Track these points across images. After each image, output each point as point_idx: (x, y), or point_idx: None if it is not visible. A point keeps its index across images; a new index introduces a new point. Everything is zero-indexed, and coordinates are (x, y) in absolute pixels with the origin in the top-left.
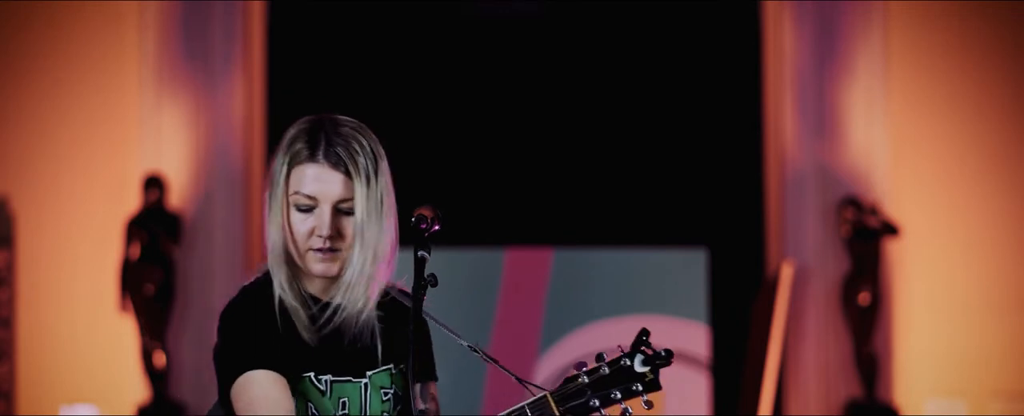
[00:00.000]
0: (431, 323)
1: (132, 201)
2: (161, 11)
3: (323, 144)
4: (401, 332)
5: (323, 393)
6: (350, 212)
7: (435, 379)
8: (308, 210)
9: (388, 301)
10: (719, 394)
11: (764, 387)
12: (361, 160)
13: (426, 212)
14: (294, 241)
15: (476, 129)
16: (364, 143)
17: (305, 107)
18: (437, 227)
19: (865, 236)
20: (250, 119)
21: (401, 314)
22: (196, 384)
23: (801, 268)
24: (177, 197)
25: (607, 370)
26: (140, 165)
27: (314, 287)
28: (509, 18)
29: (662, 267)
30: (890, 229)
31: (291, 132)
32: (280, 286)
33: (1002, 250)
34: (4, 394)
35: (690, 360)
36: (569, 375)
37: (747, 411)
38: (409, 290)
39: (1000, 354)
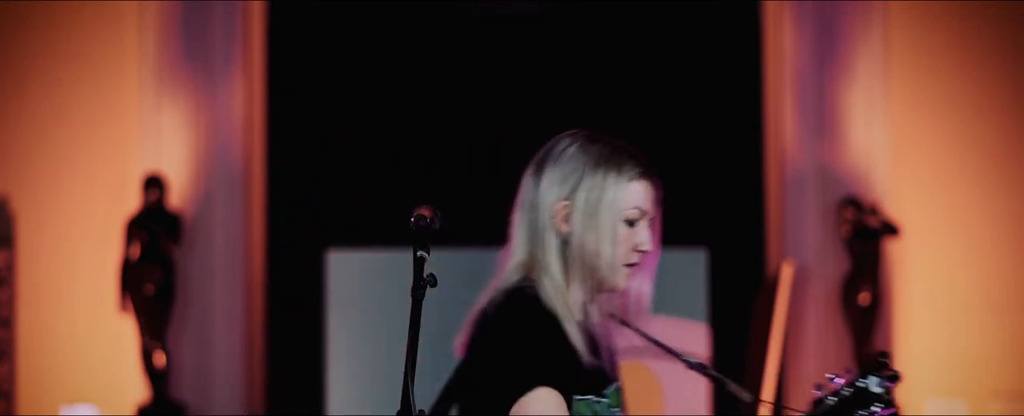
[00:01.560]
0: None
1: (132, 201)
2: (161, 11)
3: (642, 162)
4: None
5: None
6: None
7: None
8: (634, 224)
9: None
10: (719, 394)
11: (764, 387)
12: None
13: (426, 212)
14: (606, 258)
15: (476, 129)
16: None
17: (305, 107)
18: (436, 227)
19: (865, 236)
20: (250, 119)
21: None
22: (196, 384)
23: (801, 268)
24: (177, 197)
25: (849, 392)
26: (140, 165)
27: (577, 304)
28: (509, 18)
29: (662, 267)
30: (890, 229)
31: (594, 147)
32: (574, 302)
33: (1002, 250)
34: (4, 394)
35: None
36: (815, 398)
37: (747, 411)
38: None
39: (1000, 354)
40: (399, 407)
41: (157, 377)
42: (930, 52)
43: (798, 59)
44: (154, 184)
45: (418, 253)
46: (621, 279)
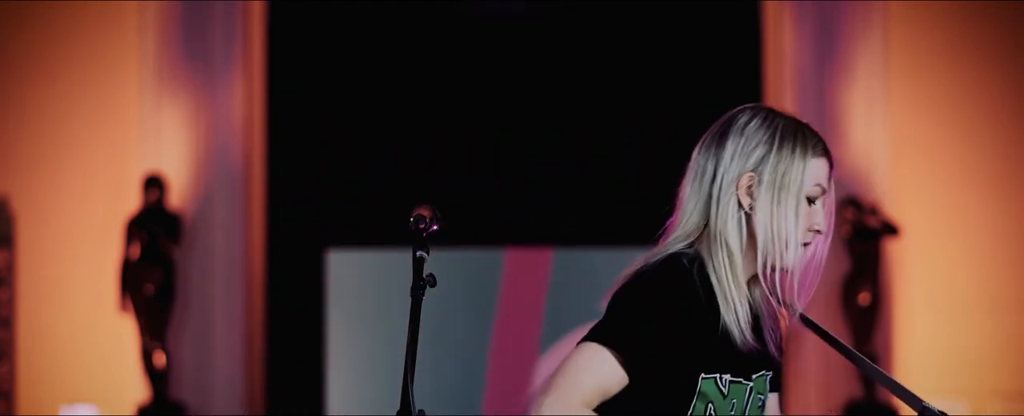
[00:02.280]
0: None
1: (132, 201)
2: (161, 11)
3: (821, 140)
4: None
5: (725, 396)
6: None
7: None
8: (812, 203)
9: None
10: None
11: None
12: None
13: (425, 212)
14: (784, 236)
15: (476, 129)
16: None
17: (305, 107)
18: (436, 227)
19: (865, 236)
20: (250, 119)
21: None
22: (196, 384)
23: None
24: (177, 197)
25: None
26: (140, 165)
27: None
28: (509, 18)
29: None
30: (890, 229)
31: (779, 120)
32: (734, 273)
33: (1002, 250)
34: (4, 394)
35: None
36: None
37: None
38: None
39: (1000, 354)
40: (399, 407)
41: (157, 377)
42: (930, 52)
43: (798, 59)
44: (154, 184)
45: (418, 253)
46: (793, 258)
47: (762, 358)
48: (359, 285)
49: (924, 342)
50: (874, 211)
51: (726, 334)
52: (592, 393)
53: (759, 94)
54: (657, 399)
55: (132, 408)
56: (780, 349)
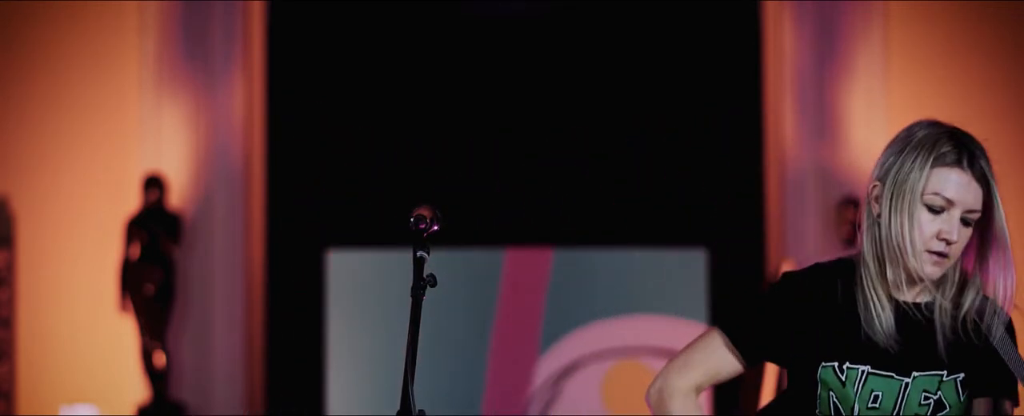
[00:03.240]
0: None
1: (132, 201)
2: (161, 11)
3: (968, 154)
4: (974, 344)
5: (844, 384)
6: (969, 223)
7: (1009, 398)
8: (939, 212)
9: (975, 312)
10: (719, 394)
11: (764, 387)
12: (992, 178)
13: (425, 212)
14: (907, 241)
15: (476, 129)
16: (990, 164)
17: (305, 107)
18: (436, 227)
19: None
20: (250, 119)
21: (997, 322)
22: (196, 384)
23: None
24: (177, 197)
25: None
26: (140, 165)
27: (897, 283)
28: (509, 18)
29: (662, 267)
30: None
31: (923, 132)
32: (895, 282)
33: None
34: (4, 394)
35: None
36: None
37: (747, 411)
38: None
39: None
40: (399, 407)
41: (157, 377)
42: (930, 52)
43: (798, 59)
44: (154, 184)
45: (418, 253)
46: (925, 266)
47: (927, 357)
48: (359, 285)
49: None
50: None
51: (862, 329)
52: (701, 375)
53: (759, 94)
54: (792, 385)
55: (132, 408)
56: (972, 357)
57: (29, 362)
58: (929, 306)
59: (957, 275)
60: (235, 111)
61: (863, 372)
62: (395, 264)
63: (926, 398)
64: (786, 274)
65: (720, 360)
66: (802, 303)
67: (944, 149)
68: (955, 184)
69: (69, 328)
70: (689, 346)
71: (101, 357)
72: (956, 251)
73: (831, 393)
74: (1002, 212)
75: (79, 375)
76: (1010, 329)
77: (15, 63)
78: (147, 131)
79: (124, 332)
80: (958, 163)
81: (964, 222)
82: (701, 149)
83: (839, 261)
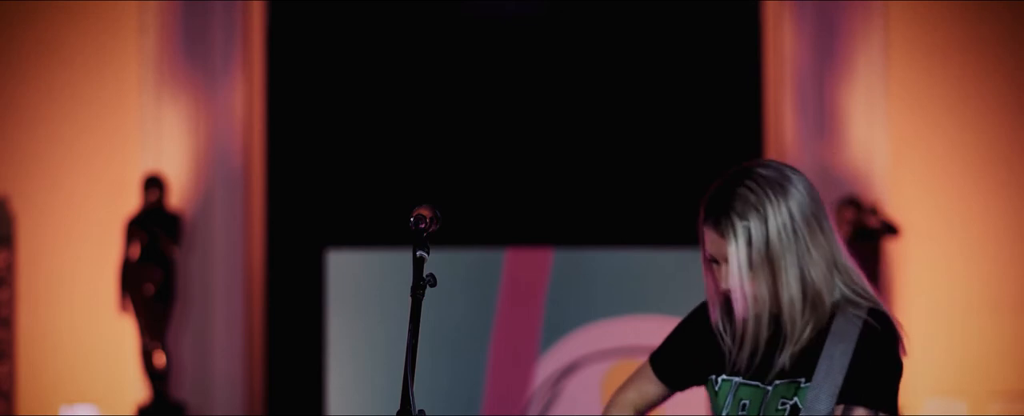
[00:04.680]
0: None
1: (132, 201)
2: (161, 11)
3: (714, 208)
4: (835, 350)
5: (718, 393)
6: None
7: (865, 405)
8: (716, 263)
9: (837, 316)
10: None
11: None
12: (742, 224)
13: (425, 212)
14: (713, 287)
15: (476, 129)
16: (754, 201)
17: (305, 107)
18: (436, 227)
19: (865, 236)
20: (250, 119)
21: (844, 333)
22: (196, 384)
23: None
24: (177, 197)
25: None
26: (140, 165)
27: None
28: (509, 18)
29: (662, 267)
30: (890, 229)
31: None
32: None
33: (1002, 250)
34: (4, 394)
35: None
36: None
37: None
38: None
39: (1000, 354)
40: (399, 407)
41: (157, 377)
42: (930, 52)
43: (798, 59)
44: (154, 184)
45: (418, 253)
46: (716, 313)
47: (782, 365)
48: (359, 285)
49: (924, 342)
50: (874, 211)
51: (736, 343)
52: (636, 395)
53: (759, 94)
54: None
55: (132, 408)
56: (800, 361)
57: (29, 362)
58: (781, 318)
59: (811, 293)
60: (235, 111)
61: (735, 383)
62: (395, 264)
63: (783, 403)
64: (704, 303)
65: (649, 385)
66: (705, 324)
67: (706, 202)
68: (708, 241)
69: (69, 328)
70: (635, 372)
71: (101, 357)
72: (737, 288)
73: (717, 403)
74: (738, 257)
75: (79, 375)
76: (867, 343)
77: (15, 63)
78: (147, 131)
79: (124, 332)
80: (705, 222)
81: (719, 262)
82: (701, 149)
83: None
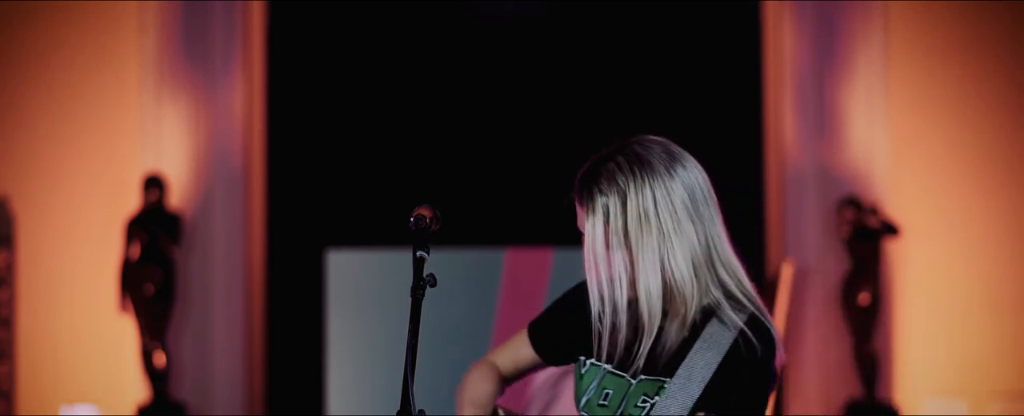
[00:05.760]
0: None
1: (132, 201)
2: (161, 11)
3: (579, 181)
4: (701, 357)
5: (583, 376)
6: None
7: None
8: None
9: (711, 320)
10: None
11: None
12: (601, 199)
13: (425, 212)
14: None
15: (476, 129)
16: (619, 178)
17: (305, 107)
18: (436, 227)
19: (865, 236)
20: (250, 119)
21: (715, 340)
22: (196, 384)
23: (801, 268)
24: (177, 197)
25: None
26: (140, 165)
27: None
28: (508, 18)
29: None
30: (890, 229)
31: None
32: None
33: (1002, 250)
34: (4, 394)
35: None
36: None
37: None
38: (756, 316)
39: (1000, 354)
40: (399, 407)
41: (157, 377)
42: (930, 52)
43: (798, 59)
44: (154, 184)
45: (418, 253)
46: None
47: (654, 363)
48: (359, 285)
49: (924, 342)
50: (874, 211)
51: (610, 331)
52: (506, 360)
53: (759, 94)
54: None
55: (132, 408)
56: (664, 363)
57: (29, 362)
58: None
59: (672, 288)
60: (235, 111)
61: (603, 370)
62: (395, 264)
63: (644, 400)
64: (583, 281)
65: (522, 352)
66: (585, 306)
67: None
68: (578, 215)
69: (69, 328)
70: (510, 337)
71: (101, 357)
72: (602, 273)
73: (580, 386)
74: (593, 234)
75: (79, 375)
76: (736, 357)
77: (15, 63)
78: (147, 131)
79: (124, 332)
80: (574, 192)
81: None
82: (701, 149)
83: None
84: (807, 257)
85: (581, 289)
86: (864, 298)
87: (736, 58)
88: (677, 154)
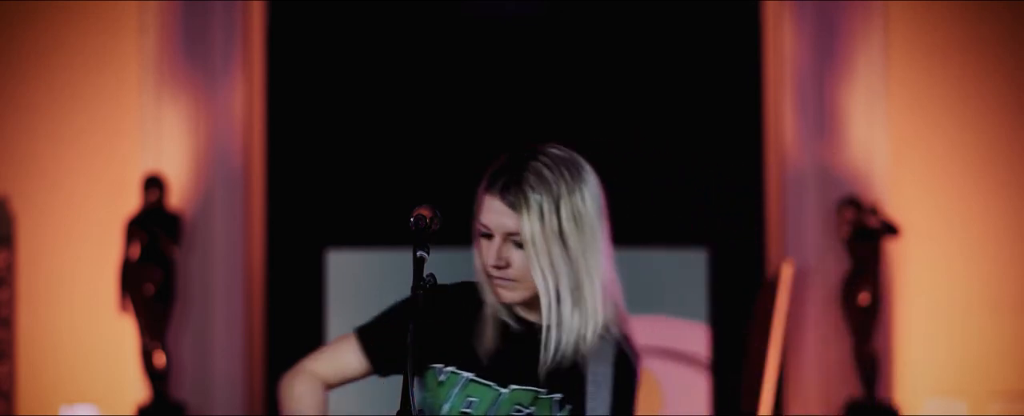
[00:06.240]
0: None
1: (132, 201)
2: (161, 11)
3: (504, 178)
4: (593, 372)
5: (441, 384)
6: (521, 245)
7: None
8: (488, 237)
9: (599, 340)
10: (719, 394)
11: (764, 387)
12: (535, 196)
13: (425, 212)
14: (478, 266)
15: (476, 129)
16: (549, 177)
17: (305, 107)
18: (436, 227)
19: (865, 236)
20: (250, 119)
21: (602, 354)
22: (196, 384)
23: (801, 268)
24: (177, 197)
25: None
26: (140, 165)
27: (522, 309)
28: (508, 18)
29: (662, 267)
30: (890, 229)
31: (497, 161)
32: (488, 295)
33: (1002, 250)
34: (4, 394)
35: (690, 360)
36: None
37: (747, 411)
38: (628, 342)
39: (1000, 354)
40: (399, 407)
41: (157, 377)
42: (930, 52)
43: (798, 59)
44: (154, 184)
45: (418, 253)
46: (490, 288)
47: (528, 373)
48: (359, 285)
49: (924, 342)
50: (874, 211)
51: (473, 340)
52: (331, 369)
53: (759, 94)
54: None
55: (132, 408)
56: (585, 386)
57: (29, 362)
58: (539, 327)
59: (584, 297)
60: (235, 111)
61: (465, 378)
62: (395, 264)
63: (518, 410)
64: (443, 284)
65: (349, 360)
66: (432, 312)
67: (492, 176)
68: (488, 210)
69: (69, 328)
70: (329, 343)
71: (101, 357)
72: (519, 274)
73: (437, 394)
74: (542, 234)
75: (79, 375)
76: (622, 369)
77: (15, 63)
78: (147, 131)
79: (124, 332)
80: (493, 190)
81: (517, 244)
82: (701, 149)
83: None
84: (807, 257)
85: (437, 296)
86: (864, 298)
87: (736, 58)
88: (584, 162)
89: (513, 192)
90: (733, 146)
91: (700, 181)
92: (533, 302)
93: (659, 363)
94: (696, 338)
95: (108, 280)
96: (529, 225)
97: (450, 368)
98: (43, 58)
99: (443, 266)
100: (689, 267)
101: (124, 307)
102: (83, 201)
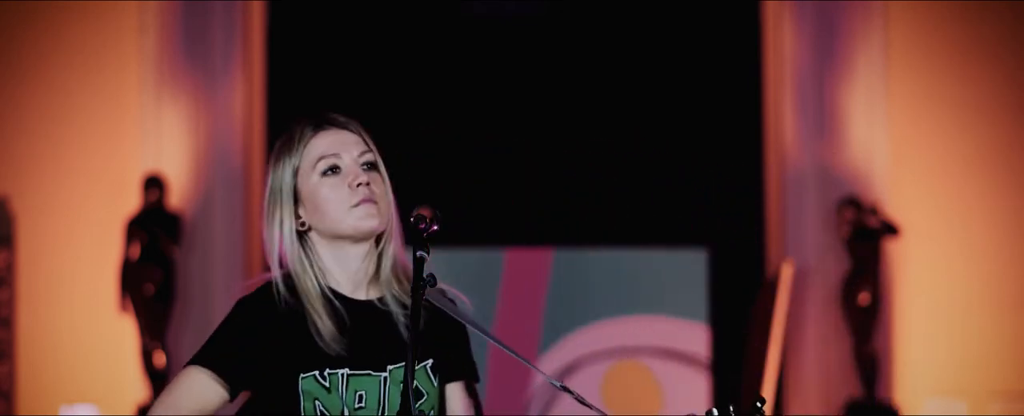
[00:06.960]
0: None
1: (132, 201)
2: (161, 11)
3: (317, 117)
4: (434, 330)
5: (329, 390)
6: (374, 166)
7: (475, 379)
8: (334, 171)
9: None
10: (719, 394)
11: (764, 387)
12: (363, 131)
13: (425, 212)
14: (332, 213)
15: (476, 129)
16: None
17: (305, 107)
18: (436, 227)
19: (865, 236)
20: (250, 119)
21: (436, 313)
22: None
23: (801, 268)
24: (177, 197)
25: None
26: (140, 165)
27: (344, 286)
28: (508, 18)
29: (662, 267)
30: (890, 229)
31: (285, 135)
32: (306, 282)
33: (1002, 250)
34: (4, 394)
35: (690, 360)
36: None
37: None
38: (450, 290)
39: (1000, 354)
40: (399, 407)
41: (157, 377)
42: (930, 52)
43: (798, 59)
44: (154, 184)
45: (418, 253)
46: (359, 223)
47: (395, 350)
48: None
49: (924, 342)
50: (874, 211)
51: (318, 334)
52: (189, 409)
53: (759, 94)
54: (271, 403)
55: (132, 408)
56: (437, 343)
57: (29, 362)
58: (383, 300)
59: (402, 266)
60: (235, 111)
61: (343, 375)
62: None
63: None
64: (239, 300)
65: (206, 394)
66: (264, 323)
67: (301, 131)
68: (328, 141)
69: (69, 328)
70: (169, 386)
71: (101, 357)
72: (379, 192)
73: (317, 402)
74: (380, 161)
75: (79, 375)
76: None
77: (15, 63)
78: (147, 131)
79: (124, 332)
80: (319, 127)
81: (367, 166)
82: (701, 149)
83: (285, 276)
84: (807, 257)
85: (258, 307)
86: (864, 298)
87: (736, 58)
88: None
89: (342, 121)
90: (733, 146)
91: (700, 181)
92: (347, 278)
93: (659, 363)
94: (696, 338)
95: (108, 280)
96: (370, 142)
97: (326, 370)
98: (43, 58)
99: (443, 266)
100: (689, 267)
101: (124, 307)
102: (83, 201)
